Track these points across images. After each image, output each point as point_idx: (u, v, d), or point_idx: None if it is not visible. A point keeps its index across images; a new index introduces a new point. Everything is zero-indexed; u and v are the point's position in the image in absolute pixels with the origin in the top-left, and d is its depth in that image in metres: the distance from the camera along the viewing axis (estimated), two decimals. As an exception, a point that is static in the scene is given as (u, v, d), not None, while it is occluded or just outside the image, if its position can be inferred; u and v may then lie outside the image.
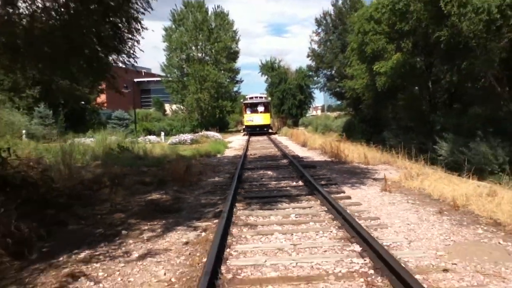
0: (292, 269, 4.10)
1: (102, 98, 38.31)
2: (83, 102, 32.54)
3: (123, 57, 7.37)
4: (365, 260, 4.21)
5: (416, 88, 22.05)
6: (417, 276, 3.59)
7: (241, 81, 51.44)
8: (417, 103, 21.65)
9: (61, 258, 4.65)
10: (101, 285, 3.88)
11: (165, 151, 17.11)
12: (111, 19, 7.10)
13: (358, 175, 10.10)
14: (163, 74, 46.34)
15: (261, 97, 38.47)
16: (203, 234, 5.44)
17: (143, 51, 7.71)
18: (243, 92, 52.26)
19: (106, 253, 4.77)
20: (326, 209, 6.51)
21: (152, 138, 26.33)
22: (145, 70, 56.15)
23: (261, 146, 22.33)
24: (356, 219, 5.55)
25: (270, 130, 37.15)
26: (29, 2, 6.54)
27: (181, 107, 44.67)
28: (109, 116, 36.39)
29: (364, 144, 16.95)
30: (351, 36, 25.47)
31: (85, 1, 6.62)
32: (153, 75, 55.46)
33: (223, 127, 43.50)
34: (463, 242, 4.72)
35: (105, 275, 4.11)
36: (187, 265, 4.34)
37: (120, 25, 7.09)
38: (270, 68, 49.02)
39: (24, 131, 22.74)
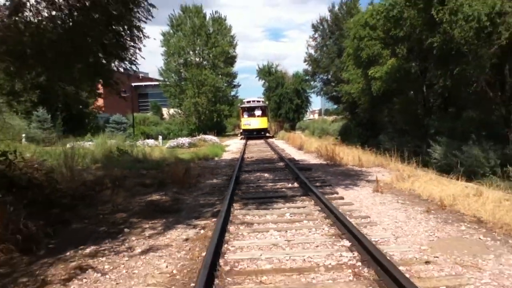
0: (285, 262, 4.40)
1: (100, 102, 38.53)
2: (81, 106, 32.80)
3: (126, 63, 7.67)
4: (353, 254, 4.51)
5: (411, 92, 22.41)
6: (400, 268, 3.88)
7: (239, 86, 51.79)
8: (412, 107, 21.98)
9: (68, 253, 4.93)
10: (107, 276, 4.16)
11: (163, 155, 17.37)
12: (114, 27, 7.42)
13: (352, 177, 10.41)
14: (160, 78, 46.66)
15: (258, 101, 38.69)
16: (202, 231, 5.73)
17: (144, 58, 8.01)
18: (241, 96, 52.73)
19: (111, 249, 5.05)
20: (319, 208, 6.81)
21: (150, 141, 26.61)
22: (142, 75, 56.46)
23: (258, 149, 22.63)
24: (347, 217, 5.85)
25: (267, 134, 37.42)
26: (35, 12, 6.86)
27: (179, 111, 44.97)
28: (106, 120, 36.64)
29: (359, 147, 17.24)
30: (347, 42, 25.84)
31: (88, 11, 6.94)
32: (151, 80, 55.74)
33: (220, 131, 43.82)
34: (446, 238, 5.03)
35: (111, 267, 4.40)
36: (187, 258, 4.63)
37: (122, 33, 7.40)
38: (267, 73, 49.39)
39: (23, 135, 22.98)
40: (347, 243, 4.90)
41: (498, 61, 13.66)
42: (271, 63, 51.37)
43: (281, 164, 14.23)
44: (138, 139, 26.19)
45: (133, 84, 46.13)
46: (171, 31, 45.39)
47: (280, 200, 7.70)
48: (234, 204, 7.44)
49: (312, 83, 43.56)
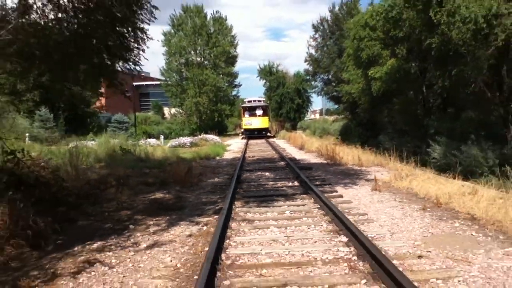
0: (285, 256, 4.60)
1: (101, 101, 38.74)
2: (82, 106, 33.02)
3: (129, 64, 7.87)
4: (350, 249, 4.71)
5: (411, 92, 22.57)
6: (394, 261, 4.07)
7: (240, 85, 52.09)
8: (411, 108, 22.13)
9: (75, 248, 5.13)
10: (114, 269, 4.36)
11: (165, 154, 17.58)
12: (118, 29, 7.62)
13: (351, 176, 10.61)
14: (161, 77, 46.91)
15: (259, 101, 38.81)
16: (205, 228, 5.93)
17: (147, 59, 8.22)
18: (242, 95, 52.93)
19: (117, 244, 5.25)
20: (318, 206, 7.00)
21: (152, 141, 26.82)
22: (143, 74, 56.64)
23: (259, 149, 22.83)
24: (346, 214, 6.05)
25: (268, 134, 37.54)
26: (41, 14, 7.07)
27: (180, 110, 45.20)
28: (108, 119, 36.85)
29: (359, 147, 17.43)
30: (347, 42, 26.01)
31: (92, 12, 7.14)
32: (152, 79, 55.97)
33: (221, 131, 44.05)
34: (440, 234, 5.22)
35: (118, 261, 4.60)
36: (190, 253, 4.83)
37: (126, 35, 7.60)
38: (268, 73, 49.58)
39: (27, 134, 23.19)
40: (344, 238, 5.10)
41: (495, 62, 13.83)
42: (272, 63, 51.58)
43: (282, 163, 14.43)
44: (140, 139, 26.38)
45: (134, 83, 46.41)
46: (172, 31, 45.68)
47: (280, 198, 7.90)
48: (235, 202, 7.63)
49: (313, 83, 43.82)
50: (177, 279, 4.04)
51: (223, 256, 4.61)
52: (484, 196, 6.81)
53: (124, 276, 4.16)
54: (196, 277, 3.95)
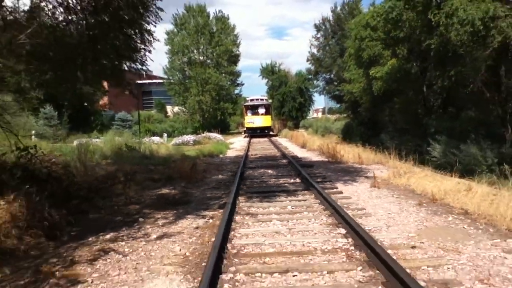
0: (286, 246, 4.91)
1: (104, 99, 39.07)
2: (86, 104, 33.34)
3: (136, 64, 8.17)
4: (348, 240, 5.01)
5: (412, 92, 22.81)
6: (388, 251, 4.37)
7: (242, 84, 52.33)
8: (412, 107, 22.35)
9: (90, 239, 5.45)
10: (128, 257, 4.68)
11: (169, 151, 17.92)
12: (125, 31, 7.91)
13: (352, 174, 10.90)
14: (164, 76, 47.18)
15: (262, 99, 38.94)
16: (211, 220, 6.25)
17: (153, 60, 8.53)
18: (244, 94, 53.14)
19: (128, 235, 5.57)
20: (319, 201, 7.30)
21: (156, 139, 27.15)
22: (140, 70, 56.78)
23: (261, 147, 23.13)
24: (345, 209, 6.34)
25: (270, 132, 37.75)
26: (51, 15, 7.37)
27: (183, 109, 45.52)
28: (111, 117, 37.18)
29: (359, 145, 17.71)
30: (348, 42, 26.27)
31: (99, 14, 7.43)
32: (155, 77, 56.30)
33: (224, 129, 44.34)
34: (433, 227, 5.52)
35: (130, 250, 4.92)
36: (198, 243, 5.14)
37: (133, 36, 7.89)
38: (270, 72, 49.87)
39: (33, 132, 23.52)
40: (342, 231, 5.40)
41: (493, 63, 14.09)
42: (274, 62, 51.92)
43: (284, 161, 14.73)
44: (145, 136, 26.69)
45: (137, 81, 46.70)
46: (175, 30, 45.95)
47: (282, 194, 8.20)
48: (239, 198, 7.94)
49: (315, 82, 44.06)
50: (187, 266, 4.35)
51: (228, 246, 4.92)
52: (478, 192, 7.09)
53: (137, 263, 4.47)
54: (204, 264, 4.25)
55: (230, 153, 19.46)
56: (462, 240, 4.86)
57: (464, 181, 8.58)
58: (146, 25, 8.07)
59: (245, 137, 35.25)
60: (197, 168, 11.50)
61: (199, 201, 7.90)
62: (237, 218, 6.35)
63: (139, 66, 8.45)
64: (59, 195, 7.23)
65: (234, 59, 48.23)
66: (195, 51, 46.05)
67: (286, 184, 9.48)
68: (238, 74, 49.82)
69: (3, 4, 6.45)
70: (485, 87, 15.29)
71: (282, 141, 28.45)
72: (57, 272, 4.23)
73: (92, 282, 3.99)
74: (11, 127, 7.61)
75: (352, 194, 8.01)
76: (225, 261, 4.41)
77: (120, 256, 4.71)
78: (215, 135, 29.63)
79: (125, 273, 4.20)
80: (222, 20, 46.92)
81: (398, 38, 18.62)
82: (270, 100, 41.88)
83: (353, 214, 6.19)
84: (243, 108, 40.26)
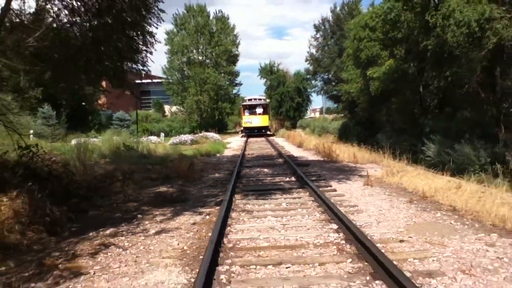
0: (280, 241, 5.11)
1: (102, 99, 39.13)
2: (83, 103, 33.45)
3: (138, 65, 8.37)
4: (339, 235, 5.21)
5: (409, 92, 23.03)
6: (378, 245, 4.57)
7: (241, 84, 52.48)
8: (409, 107, 22.56)
9: (90, 234, 5.64)
10: (128, 251, 4.87)
11: (167, 151, 18.10)
12: (127, 32, 8.09)
13: (346, 172, 11.10)
14: (161, 75, 47.32)
15: (259, 99, 39.02)
16: (208, 217, 6.44)
17: (153, 61, 8.72)
18: (243, 94, 53.33)
19: (128, 230, 5.76)
20: (313, 199, 7.50)
21: (153, 138, 27.30)
22: (142, 71, 56.89)
23: (258, 146, 23.33)
24: (337, 206, 6.54)
25: (268, 132, 37.89)
26: (55, 16, 7.55)
27: (181, 108, 45.69)
28: (109, 117, 37.30)
29: (355, 145, 17.93)
30: (347, 42, 26.49)
31: (103, 16, 7.61)
32: (153, 77, 56.37)
33: (222, 129, 44.53)
34: (422, 223, 5.73)
35: (130, 244, 5.11)
36: (195, 238, 5.33)
37: (136, 38, 8.08)
38: (269, 72, 50.09)
39: (31, 131, 23.66)
40: (334, 226, 5.60)
41: (488, 64, 14.31)
42: (273, 62, 52.13)
43: (280, 160, 14.93)
44: (143, 136, 26.84)
45: (135, 81, 46.75)
46: (175, 30, 46.12)
47: (278, 192, 8.40)
48: (235, 195, 8.13)
49: (313, 82, 44.33)
50: (185, 259, 4.54)
51: (225, 240, 5.12)
52: (467, 190, 7.31)
53: (137, 256, 4.66)
54: (201, 257, 4.44)
55: (227, 153, 19.65)
56: (448, 235, 5.07)
57: (454, 180, 8.80)
58: (148, 27, 8.27)
59: (242, 136, 35.35)
60: (194, 167, 11.68)
61: (196, 199, 8.09)
62: (233, 214, 6.54)
63: (141, 67, 8.66)
64: (60, 193, 7.40)
65: (233, 59, 48.44)
66: (194, 51, 46.24)
67: (281, 183, 9.68)
68: (236, 74, 50.06)
69: (10, 7, 6.61)
70: (480, 88, 15.49)
71: (279, 140, 28.65)
72: (60, 265, 4.42)
73: (94, 273, 4.17)
74: (14, 126, 7.76)
75: (346, 192, 8.21)
76: (221, 254, 4.61)
77: (120, 250, 4.91)
78: (212, 135, 29.79)
79: (125, 265, 4.39)
80: (222, 20, 47.11)
81: (396, 39, 18.86)
82: (268, 100, 42.01)
83: (346, 211, 6.39)
84: (241, 108, 40.35)
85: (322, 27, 39.32)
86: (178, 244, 5.09)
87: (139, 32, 7.83)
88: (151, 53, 8.12)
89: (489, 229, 5.24)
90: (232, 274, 4.06)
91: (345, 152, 14.79)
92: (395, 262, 3.97)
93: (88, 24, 7.32)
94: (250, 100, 38.85)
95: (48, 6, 7.60)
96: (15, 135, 8.17)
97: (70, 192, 7.77)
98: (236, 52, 48.62)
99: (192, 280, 3.87)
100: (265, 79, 50.57)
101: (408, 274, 3.75)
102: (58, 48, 6.84)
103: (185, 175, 10.71)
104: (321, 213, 6.45)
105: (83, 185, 8.58)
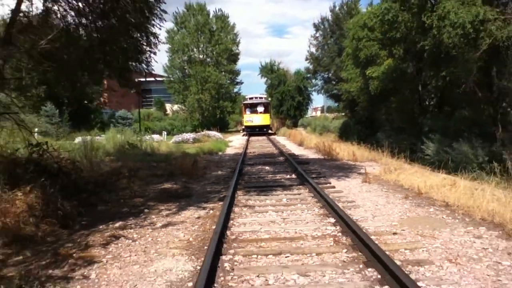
0: (280, 233, 5.41)
1: (104, 97, 39.42)
2: (86, 101, 33.75)
3: (142, 65, 8.67)
4: (336, 228, 5.52)
5: (408, 91, 23.29)
6: (372, 237, 4.87)
7: (241, 83, 52.82)
8: (408, 106, 22.80)
9: (100, 227, 5.95)
10: (137, 242, 5.18)
11: (170, 149, 18.41)
12: (131, 33, 8.39)
13: (345, 170, 11.40)
14: (163, 74, 47.60)
15: (261, 98, 39.12)
16: (211, 211, 6.75)
17: (157, 61, 9.03)
18: (243, 92, 53.69)
19: (136, 224, 6.07)
20: (312, 195, 7.80)
21: (156, 137, 27.61)
22: (146, 70, 57.21)
23: (260, 145, 23.62)
24: (336, 201, 6.84)
25: (269, 131, 38.06)
26: (62, 19, 7.84)
27: (183, 107, 45.99)
28: (111, 115, 37.59)
29: (355, 143, 18.22)
30: (346, 42, 26.76)
31: (108, 17, 7.90)
32: (154, 75, 56.54)
33: (223, 127, 44.79)
34: (415, 217, 6.03)
35: (139, 236, 5.42)
36: (200, 230, 5.64)
37: (140, 39, 8.38)
38: (269, 70, 50.36)
39: (36, 129, 23.98)
40: (332, 220, 5.91)
41: (485, 64, 14.57)
42: (273, 60, 52.35)
43: (281, 158, 15.23)
44: (145, 134, 27.13)
45: (136, 79, 47.05)
46: (175, 29, 46.39)
47: (278, 188, 8.70)
48: (238, 192, 8.43)
49: (313, 81, 44.60)
50: (190, 249, 4.85)
51: (228, 232, 5.42)
52: (461, 187, 7.59)
53: (146, 247, 4.97)
54: (206, 247, 4.74)
55: (229, 151, 19.95)
56: (439, 228, 5.37)
57: (450, 177, 9.09)
58: (152, 27, 8.57)
59: (243, 135, 35.58)
60: (197, 165, 12.00)
61: (200, 195, 8.39)
62: (236, 209, 6.85)
63: (145, 67, 8.96)
64: (69, 188, 7.70)
65: (234, 57, 48.71)
66: (195, 49, 46.51)
67: (282, 180, 9.97)
68: (237, 73, 50.36)
69: (20, 9, 6.89)
70: (477, 87, 15.76)
71: (280, 139, 28.95)
72: (74, 254, 4.73)
73: (106, 262, 4.48)
74: (25, 124, 8.07)
75: (344, 189, 8.51)
76: (225, 245, 4.91)
77: (130, 241, 5.22)
78: (214, 133, 30.09)
79: (135, 255, 4.70)
80: (222, 18, 47.37)
81: (394, 39, 19.09)
82: (269, 99, 42.20)
83: (343, 206, 6.69)
84: (242, 107, 40.50)
85: (322, 26, 39.56)
86: (184, 236, 5.40)
87: (143, 33, 8.13)
88: (154, 53, 8.45)
89: (478, 223, 5.54)
90: (235, 263, 4.36)
91: (345, 151, 15.09)
92: (387, 252, 4.27)
93: (93, 25, 7.61)
94: (251, 98, 38.95)
95: (55, 7, 7.90)
96: (20, 133, 8.50)
97: (79, 188, 8.08)
98: (237, 51, 48.93)
99: (198, 267, 4.17)
100: (265, 78, 50.88)
101: (398, 263, 4.04)
102: (67, 49, 7.14)
103: (188, 172, 11.01)
104: (319, 208, 6.76)
105: (91, 181, 8.88)
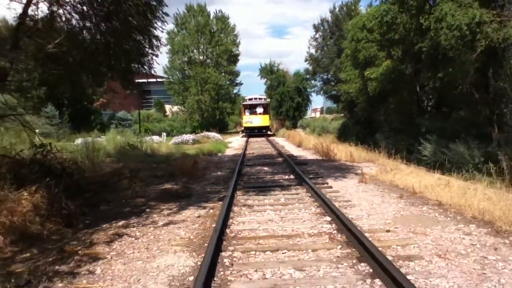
0: (278, 231, 5.61)
1: (104, 97, 39.51)
2: (85, 103, 33.90)
3: (144, 68, 8.86)
4: (332, 226, 5.72)
5: (406, 92, 23.48)
6: (366, 234, 5.06)
7: (241, 84, 52.99)
8: (406, 107, 23.00)
9: (104, 226, 6.14)
10: (140, 240, 5.37)
11: (170, 150, 18.62)
12: (134, 36, 8.58)
13: (343, 171, 11.60)
14: (162, 75, 47.81)
15: (260, 99, 39.18)
16: (211, 211, 6.95)
17: (159, 63, 9.23)
18: (243, 93, 53.86)
19: (138, 222, 6.27)
20: (310, 195, 8.00)
21: (155, 138, 27.81)
22: (148, 72, 57.39)
23: (259, 146, 23.82)
24: (332, 201, 7.04)
25: (268, 132, 38.17)
26: (66, 22, 8.03)
27: (182, 108, 46.20)
28: (111, 116, 37.75)
29: (353, 144, 18.41)
30: (346, 43, 26.97)
31: (111, 19, 8.09)
32: (154, 76, 56.67)
33: (222, 128, 45.01)
34: (408, 215, 6.23)
35: (141, 234, 5.61)
36: (200, 229, 5.84)
37: (143, 41, 8.58)
38: (269, 71, 50.59)
39: (37, 131, 24.15)
40: (328, 218, 6.10)
41: (481, 65, 14.78)
42: (273, 61, 52.69)
43: (280, 159, 15.43)
44: (145, 136, 27.32)
45: (136, 80, 47.14)
46: (176, 30, 46.63)
47: (277, 188, 8.90)
48: (237, 192, 8.63)
49: (312, 82, 44.81)
50: (191, 246, 5.05)
51: (227, 230, 5.62)
52: (454, 187, 7.79)
53: (148, 244, 5.17)
54: (206, 244, 4.93)
55: (229, 152, 20.16)
56: (431, 226, 5.57)
57: (444, 177, 9.29)
58: (154, 30, 8.76)
59: (243, 136, 35.69)
60: (197, 166, 12.19)
61: (200, 195, 8.59)
62: (235, 208, 7.04)
63: (147, 69, 9.16)
64: (72, 188, 7.89)
65: (234, 59, 48.96)
66: (195, 50, 46.77)
67: (280, 180, 10.17)
68: (237, 74, 50.59)
69: (27, 13, 7.08)
70: (474, 89, 15.95)
71: (279, 140, 29.15)
72: (79, 251, 4.92)
73: (111, 258, 4.68)
74: (30, 125, 8.26)
75: (341, 189, 8.71)
76: (224, 243, 5.11)
77: (133, 239, 5.41)
78: (213, 135, 30.28)
79: (138, 252, 4.89)
80: (222, 19, 47.61)
81: (393, 40, 19.26)
82: (268, 100, 42.32)
83: (339, 205, 6.88)
84: (241, 108, 40.61)
85: (321, 28, 39.86)
86: (185, 234, 5.59)
87: (145, 36, 8.32)
88: (157, 56, 8.64)
89: (469, 221, 5.74)
90: (234, 258, 4.56)
91: (343, 152, 15.28)
92: (379, 248, 4.46)
93: (97, 28, 7.81)
94: (250, 99, 39.01)
95: (60, 11, 8.10)
96: (25, 133, 8.68)
97: (82, 188, 8.28)
98: (237, 52, 49.18)
99: (199, 263, 4.36)
100: (265, 79, 51.09)
101: (390, 258, 4.24)
102: (73, 52, 7.34)
103: (189, 173, 11.21)
104: (316, 207, 6.95)
105: (93, 182, 9.09)
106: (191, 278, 4.03)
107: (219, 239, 5.02)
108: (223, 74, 46.52)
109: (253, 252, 4.71)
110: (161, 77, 48.91)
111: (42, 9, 7.95)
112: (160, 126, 40.94)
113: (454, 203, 6.57)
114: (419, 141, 18.21)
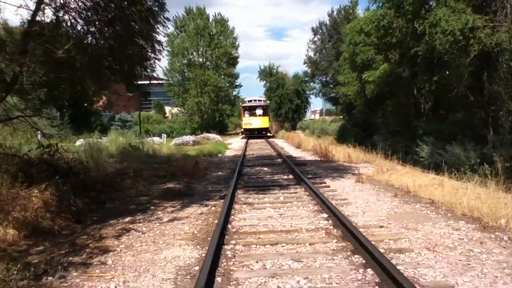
0: (277, 226, 5.91)
1: (103, 99, 39.75)
2: (85, 104, 34.16)
3: (147, 71, 9.17)
4: (328, 222, 6.02)
5: (403, 95, 23.80)
6: (360, 229, 5.36)
7: (240, 86, 53.41)
8: (403, 110, 23.29)
9: (111, 221, 6.44)
10: (146, 234, 5.67)
11: (171, 151, 18.90)
12: (137, 40, 8.89)
13: (340, 171, 11.91)
14: (163, 77, 48.13)
15: (259, 100, 39.41)
16: (213, 208, 7.25)
17: (161, 67, 9.55)
18: (242, 95, 54.24)
19: (144, 219, 6.56)
20: (308, 193, 8.30)
21: (156, 139, 28.10)
22: (150, 76, 57.72)
23: (258, 147, 24.14)
24: (329, 199, 7.34)
25: (268, 134, 38.41)
26: (70, 28, 8.33)
27: (182, 110, 46.54)
28: (111, 118, 38.02)
29: (351, 146, 18.73)
30: (343, 46, 27.32)
31: (114, 25, 8.39)
32: (154, 78, 56.96)
33: (222, 130, 45.34)
34: (401, 213, 6.53)
35: (147, 229, 5.91)
36: (204, 224, 6.14)
37: (145, 46, 8.89)
38: (268, 74, 50.96)
39: (38, 132, 24.42)
40: (325, 215, 6.41)
41: (476, 69, 15.11)
42: (272, 64, 53.01)
43: (279, 160, 15.74)
44: (146, 137, 27.59)
45: (137, 82, 47.47)
46: (175, 32, 46.99)
47: (276, 187, 9.20)
48: (237, 191, 8.93)
49: (311, 84, 45.16)
50: (195, 240, 5.35)
51: (229, 226, 5.92)
52: (447, 186, 8.11)
53: (155, 238, 5.46)
54: (209, 238, 5.23)
55: (229, 153, 20.46)
56: (423, 222, 5.87)
57: (438, 177, 9.59)
58: (156, 35, 9.08)
59: (242, 138, 35.95)
60: (198, 166, 12.49)
61: (202, 194, 8.89)
62: (236, 206, 7.35)
63: (150, 73, 9.47)
64: (79, 187, 8.20)
65: (233, 61, 49.38)
66: (194, 53, 47.17)
67: (280, 180, 10.48)
68: (236, 76, 51.03)
69: (36, 19, 7.38)
70: (469, 92, 16.29)
71: (279, 142, 29.47)
72: (90, 245, 5.21)
73: (120, 251, 4.97)
74: (38, 127, 8.55)
75: (338, 188, 9.01)
76: (226, 237, 5.41)
77: (140, 233, 5.71)
78: (213, 136, 30.60)
79: (146, 245, 5.19)
80: (221, 22, 48.04)
81: (390, 44, 19.57)
82: (268, 101, 42.58)
83: (336, 203, 7.18)
84: (241, 109, 40.83)
85: (320, 31, 40.23)
86: (189, 229, 5.89)
87: (148, 41, 8.63)
88: (159, 59, 8.94)
89: (458, 217, 6.05)
90: (236, 251, 4.85)
91: (341, 153, 15.58)
92: (372, 242, 4.75)
93: (101, 33, 8.11)
94: (250, 101, 39.22)
95: (66, 16, 8.40)
96: (33, 134, 8.96)
97: (88, 187, 8.55)
98: (236, 54, 49.62)
99: (203, 255, 4.65)
100: (264, 81, 51.46)
101: (382, 251, 4.53)
102: (78, 57, 7.63)
103: (190, 173, 11.51)
104: (314, 205, 7.26)
105: (98, 181, 9.37)
106: (197, 268, 4.32)
107: (221, 234, 5.32)
108: (222, 76, 46.95)
109: (254, 246, 5.01)
110: (161, 79, 49.25)
111: (48, 15, 8.27)
112: (160, 127, 41.26)
113: (446, 201, 6.88)
114: (416, 143, 18.53)
